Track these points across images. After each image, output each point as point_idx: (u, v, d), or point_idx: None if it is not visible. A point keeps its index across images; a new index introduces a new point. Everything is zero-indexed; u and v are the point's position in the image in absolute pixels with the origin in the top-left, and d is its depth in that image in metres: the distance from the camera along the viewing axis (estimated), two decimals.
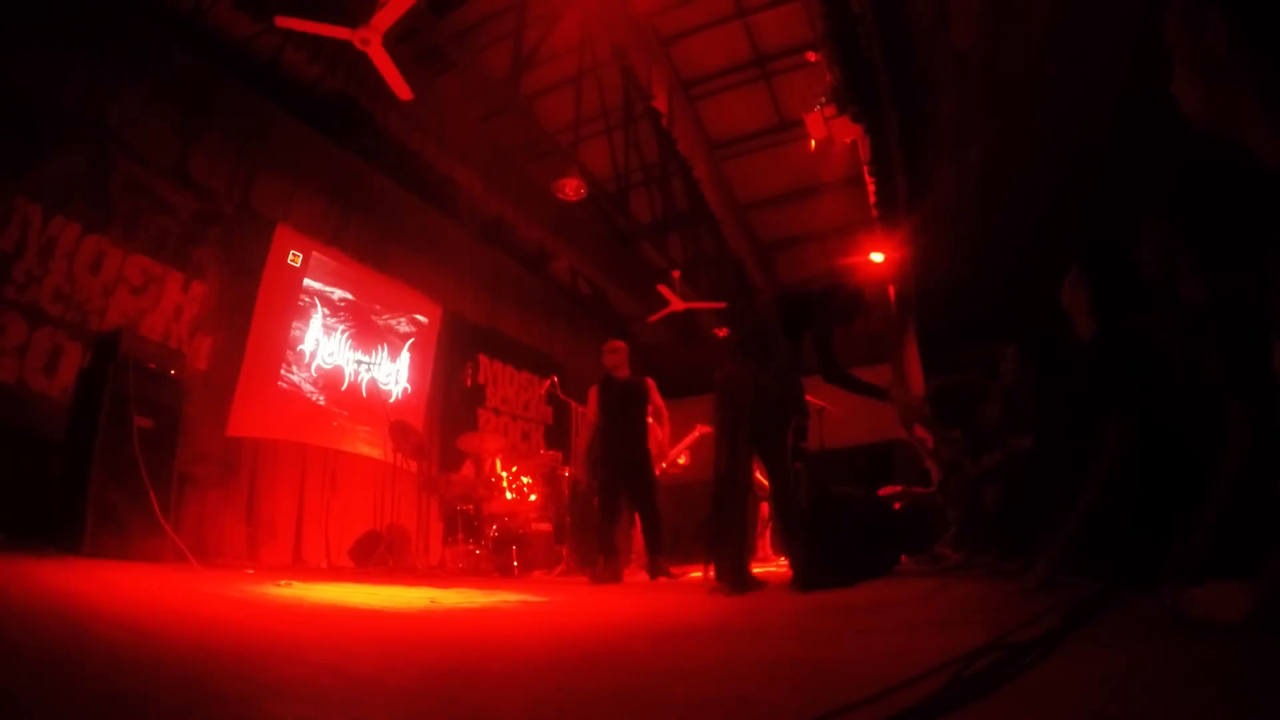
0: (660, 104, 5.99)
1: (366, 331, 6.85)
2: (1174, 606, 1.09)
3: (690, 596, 3.17)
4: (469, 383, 7.54)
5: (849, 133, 5.51)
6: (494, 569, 5.37)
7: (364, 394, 6.70)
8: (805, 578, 3.01)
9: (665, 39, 6.51)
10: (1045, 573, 2.07)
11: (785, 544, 3.69)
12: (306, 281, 6.29)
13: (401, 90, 4.52)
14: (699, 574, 3.86)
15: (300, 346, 6.17)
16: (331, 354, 6.49)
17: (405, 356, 7.27)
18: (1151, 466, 1.93)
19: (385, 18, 4.02)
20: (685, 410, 12.18)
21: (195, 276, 5.23)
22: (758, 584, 3.09)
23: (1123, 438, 1.97)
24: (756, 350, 3.32)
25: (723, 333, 9.28)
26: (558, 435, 8.64)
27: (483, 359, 8.24)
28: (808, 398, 6.22)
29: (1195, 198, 1.57)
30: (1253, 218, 1.32)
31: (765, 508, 6.56)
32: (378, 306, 7.01)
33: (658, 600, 3.09)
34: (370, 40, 4.14)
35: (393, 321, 7.19)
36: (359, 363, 6.72)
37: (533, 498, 5.95)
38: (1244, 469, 1.40)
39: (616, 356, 4.82)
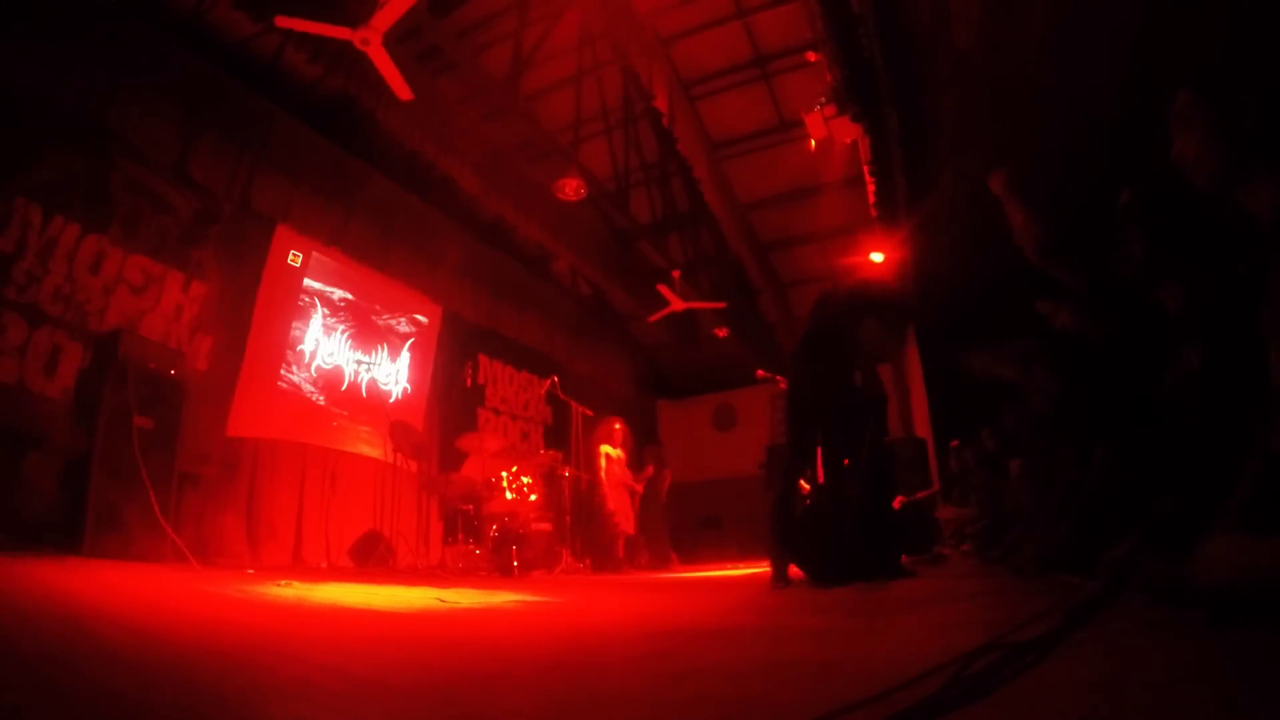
0: (660, 104, 5.99)
1: (366, 331, 6.85)
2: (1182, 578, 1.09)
3: (691, 596, 3.17)
4: (469, 383, 7.55)
5: (849, 133, 5.52)
6: (494, 569, 5.37)
7: (364, 394, 6.70)
8: (820, 576, 3.04)
9: (665, 39, 6.51)
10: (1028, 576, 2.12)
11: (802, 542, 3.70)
12: (306, 281, 6.29)
13: (401, 90, 4.52)
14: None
15: (300, 346, 6.17)
16: (331, 354, 6.48)
17: (405, 356, 7.26)
18: (1152, 470, 1.95)
19: (385, 18, 4.02)
20: (687, 410, 12.20)
21: (195, 276, 5.23)
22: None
23: (1106, 457, 2.04)
24: (831, 348, 3.34)
25: (723, 333, 9.28)
26: (558, 435, 8.65)
27: (482, 359, 8.24)
28: None
29: (1170, 205, 1.64)
30: (1227, 230, 1.42)
31: None
32: (378, 306, 7.01)
33: (658, 600, 3.09)
34: (370, 40, 4.13)
35: (393, 321, 7.19)
36: (359, 363, 6.71)
37: (533, 498, 5.95)
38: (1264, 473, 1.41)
39: None
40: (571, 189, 6.30)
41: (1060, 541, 2.16)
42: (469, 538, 5.68)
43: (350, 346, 6.68)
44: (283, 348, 6.01)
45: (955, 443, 5.94)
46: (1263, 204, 1.18)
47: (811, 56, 5.59)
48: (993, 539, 4.47)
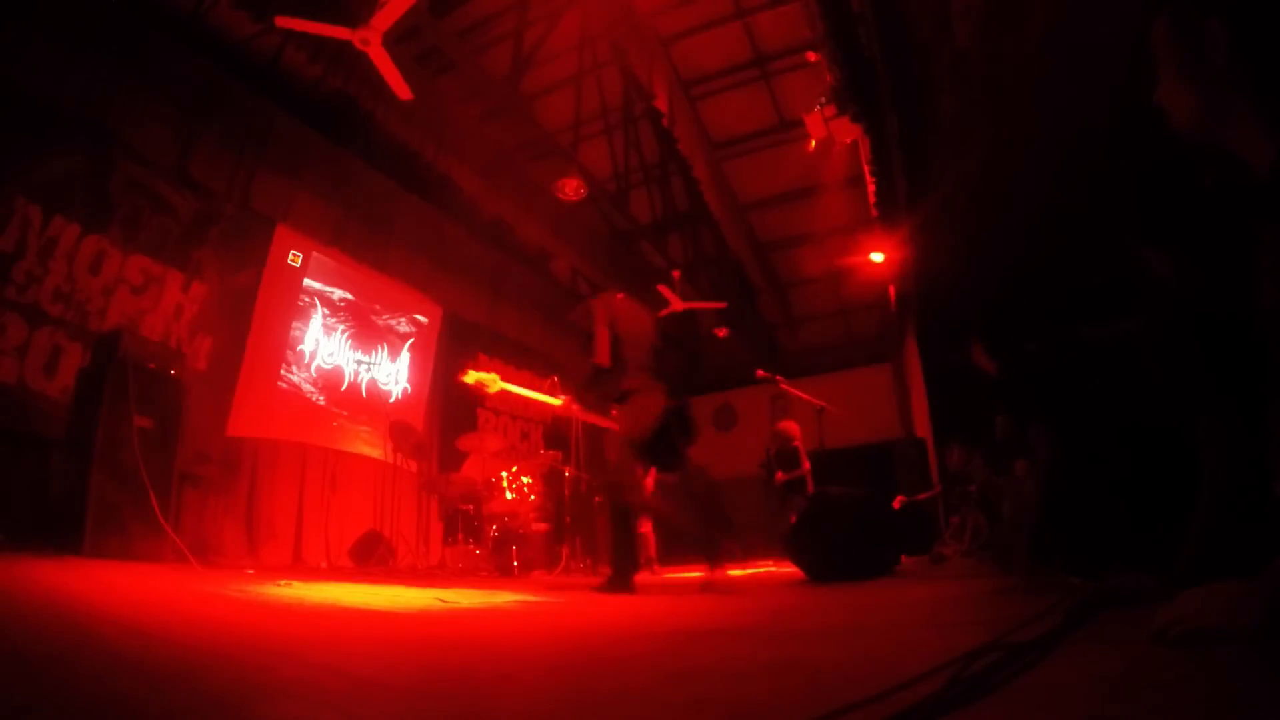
0: (660, 104, 6.00)
1: (366, 331, 6.85)
2: (1173, 619, 1.04)
3: (690, 597, 3.17)
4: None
5: (849, 133, 5.52)
6: (494, 569, 5.37)
7: (364, 394, 6.70)
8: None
9: (665, 39, 6.51)
10: (1021, 578, 2.13)
11: (792, 548, 3.72)
12: (306, 281, 6.29)
13: (401, 90, 4.52)
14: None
15: (300, 346, 6.17)
16: (331, 354, 6.49)
17: (405, 356, 7.27)
18: (1135, 469, 1.96)
19: (385, 18, 4.03)
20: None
21: (195, 276, 5.23)
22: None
23: (1049, 445, 2.05)
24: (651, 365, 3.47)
25: (723, 333, 9.29)
26: (558, 435, 8.65)
27: (483, 359, 8.24)
28: (806, 396, 6.28)
29: (1159, 182, 1.59)
30: (1223, 212, 1.32)
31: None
32: (378, 306, 7.01)
33: (658, 601, 3.09)
34: (370, 40, 4.14)
35: (393, 321, 7.19)
36: (359, 363, 6.72)
37: (533, 498, 5.95)
38: (1229, 472, 1.39)
39: None
40: (571, 189, 6.30)
41: (1040, 543, 2.17)
42: (469, 538, 5.68)
43: (350, 346, 6.68)
44: (283, 348, 6.01)
45: (957, 452, 5.93)
46: (1258, 149, 1.02)
47: (811, 56, 5.60)
48: (993, 539, 4.47)
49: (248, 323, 5.64)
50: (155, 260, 4.96)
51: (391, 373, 7.09)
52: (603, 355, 3.44)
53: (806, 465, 6.76)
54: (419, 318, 7.49)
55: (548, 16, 5.87)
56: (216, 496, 5.09)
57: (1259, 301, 1.04)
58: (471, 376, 3.91)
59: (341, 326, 6.62)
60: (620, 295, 3.75)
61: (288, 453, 5.81)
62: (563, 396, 3.79)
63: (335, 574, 4.41)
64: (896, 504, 6.68)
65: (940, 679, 0.84)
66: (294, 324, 6.13)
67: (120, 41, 4.67)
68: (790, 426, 7.09)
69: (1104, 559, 1.82)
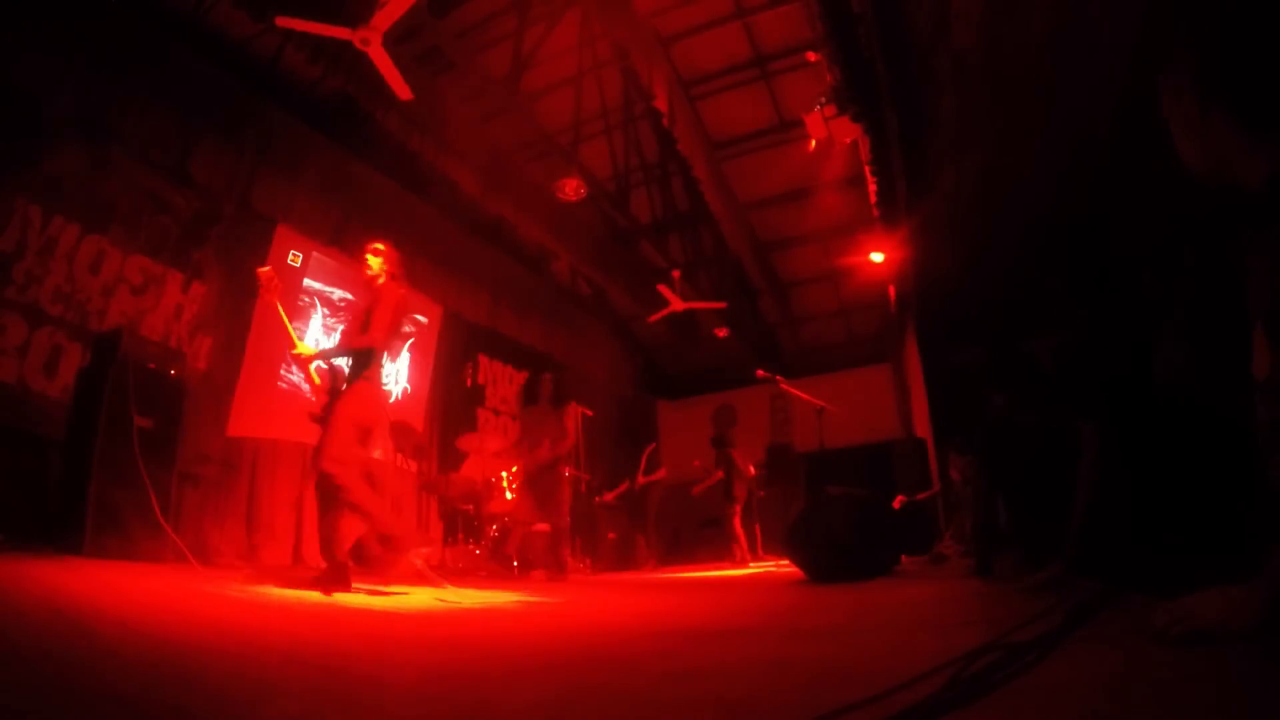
0: (660, 104, 5.99)
1: None
2: (1174, 618, 1.04)
3: (692, 597, 3.17)
4: (469, 383, 7.55)
5: (849, 133, 5.51)
6: (494, 569, 5.37)
7: None
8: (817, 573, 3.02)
9: (665, 39, 6.51)
10: (1058, 573, 2.10)
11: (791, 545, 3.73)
12: (306, 281, 6.28)
13: (401, 90, 4.52)
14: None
15: None
16: None
17: (405, 357, 7.26)
18: (1152, 466, 1.95)
19: (385, 18, 4.02)
20: (687, 410, 12.20)
21: (195, 276, 5.23)
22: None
23: (1098, 439, 2.03)
24: None
25: (723, 333, 9.29)
26: None
27: (482, 359, 8.24)
28: (805, 396, 6.30)
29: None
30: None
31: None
32: None
33: (658, 600, 3.09)
34: (370, 40, 4.13)
35: None
36: None
37: None
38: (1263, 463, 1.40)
39: None
40: (571, 189, 6.30)
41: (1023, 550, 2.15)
42: (469, 538, 5.68)
43: None
44: (283, 348, 6.01)
45: (956, 460, 5.93)
46: (1252, 174, 1.11)
47: (811, 56, 5.59)
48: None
49: (248, 323, 5.63)
50: (155, 260, 4.96)
51: (391, 373, 7.08)
52: (380, 337, 3.25)
53: (719, 473, 7.07)
54: (419, 318, 7.49)
55: (548, 16, 5.86)
56: (216, 496, 5.09)
57: (1251, 304, 1.07)
58: (265, 268, 3.66)
59: (342, 327, 6.61)
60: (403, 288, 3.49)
61: (288, 453, 5.81)
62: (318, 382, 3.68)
63: None
64: (896, 504, 6.68)
65: (940, 679, 0.84)
66: (294, 324, 6.12)
67: (120, 41, 4.67)
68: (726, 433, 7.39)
69: (1131, 562, 1.81)
